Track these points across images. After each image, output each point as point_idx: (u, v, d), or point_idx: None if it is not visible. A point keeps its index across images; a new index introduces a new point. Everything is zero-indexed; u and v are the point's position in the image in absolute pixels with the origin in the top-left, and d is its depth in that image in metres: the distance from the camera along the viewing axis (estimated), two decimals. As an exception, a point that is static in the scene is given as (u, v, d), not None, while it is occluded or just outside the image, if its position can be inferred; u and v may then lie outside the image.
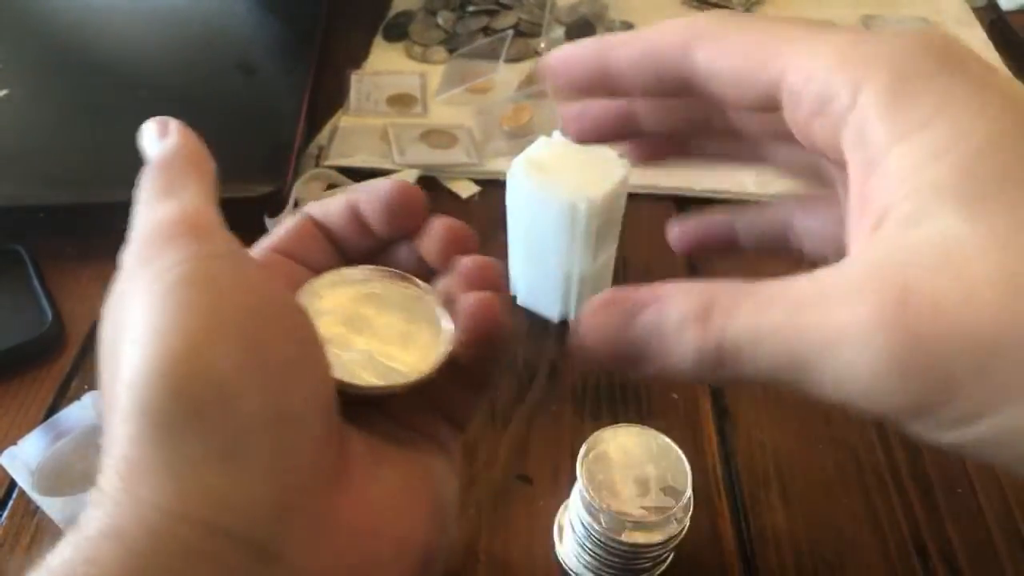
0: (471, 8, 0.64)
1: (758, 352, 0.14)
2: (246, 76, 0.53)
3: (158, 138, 0.23)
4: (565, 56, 0.20)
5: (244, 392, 0.15)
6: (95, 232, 0.47)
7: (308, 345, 0.17)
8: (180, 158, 0.22)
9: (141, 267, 0.18)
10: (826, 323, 0.13)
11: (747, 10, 0.65)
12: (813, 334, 0.13)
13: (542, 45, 0.61)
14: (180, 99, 0.50)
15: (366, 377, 0.19)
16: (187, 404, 0.15)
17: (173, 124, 0.23)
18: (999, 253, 0.12)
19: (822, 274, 0.14)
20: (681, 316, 0.15)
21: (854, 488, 0.35)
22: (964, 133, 0.13)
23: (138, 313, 0.16)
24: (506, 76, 0.58)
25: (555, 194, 0.36)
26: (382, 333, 0.20)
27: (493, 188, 0.49)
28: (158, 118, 0.23)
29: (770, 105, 0.16)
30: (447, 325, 0.21)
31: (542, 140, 0.38)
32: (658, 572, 0.31)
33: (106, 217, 0.47)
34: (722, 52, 0.17)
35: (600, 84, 0.20)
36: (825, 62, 0.15)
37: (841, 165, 0.15)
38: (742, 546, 0.33)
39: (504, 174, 0.38)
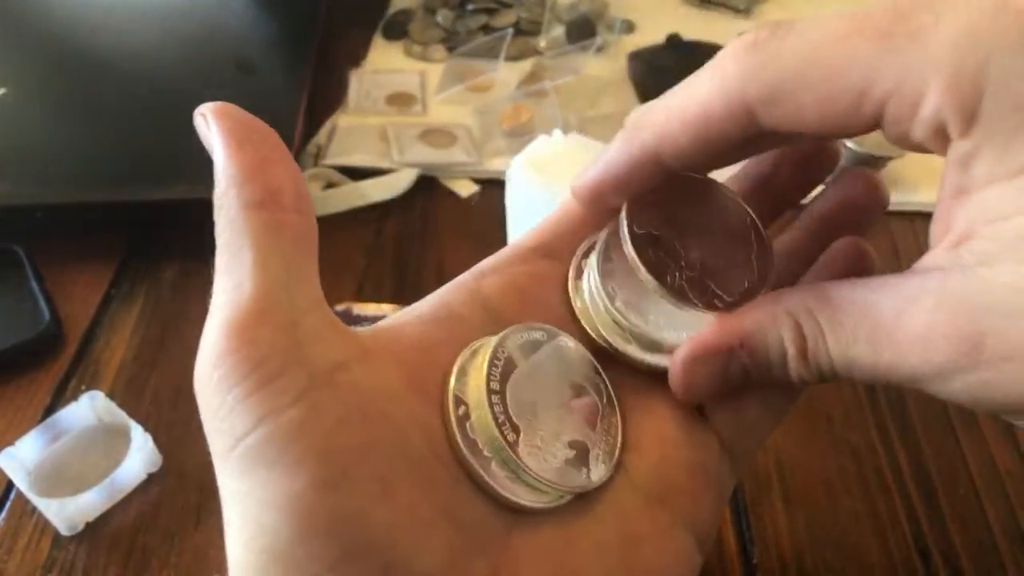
0: (471, 6, 0.64)
1: (855, 376, 0.15)
2: (245, 75, 0.53)
3: (209, 144, 0.17)
4: (595, 184, 0.17)
5: None
6: (93, 232, 0.47)
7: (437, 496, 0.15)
8: (233, 190, 0.16)
9: (211, 418, 0.15)
10: (905, 364, 0.14)
11: (748, 9, 0.65)
12: (895, 374, 0.15)
13: (542, 43, 0.61)
14: (178, 98, 0.50)
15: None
16: None
17: (214, 120, 0.17)
18: None
19: (903, 296, 0.14)
20: (779, 355, 0.16)
21: (856, 489, 0.35)
22: None
23: (221, 483, 0.14)
24: (506, 75, 0.57)
25: (555, 193, 0.36)
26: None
27: (492, 187, 0.49)
28: (198, 111, 0.17)
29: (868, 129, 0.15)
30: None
31: (542, 139, 0.38)
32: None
33: (104, 217, 0.47)
34: (801, 108, 0.14)
35: (652, 183, 0.17)
36: (932, 86, 0.13)
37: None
38: (743, 547, 0.33)
39: (503, 173, 0.38)
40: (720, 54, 0.15)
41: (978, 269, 0.14)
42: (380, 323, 0.17)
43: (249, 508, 0.14)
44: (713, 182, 0.19)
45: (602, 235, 0.18)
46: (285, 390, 0.14)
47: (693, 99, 0.16)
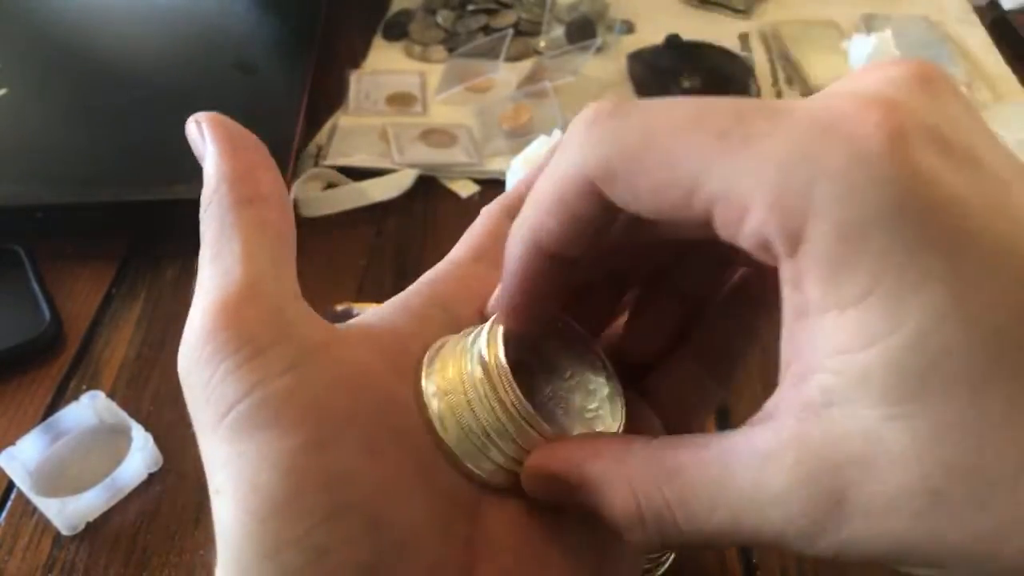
0: (471, 7, 0.64)
1: (711, 545, 0.15)
2: (245, 75, 0.53)
3: (200, 150, 0.18)
4: (510, 302, 0.17)
5: (337, 546, 0.14)
6: (94, 232, 0.47)
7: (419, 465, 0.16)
8: (224, 187, 0.17)
9: (199, 392, 0.15)
10: (768, 528, 0.14)
11: (748, 9, 0.65)
12: (757, 538, 0.14)
13: (542, 44, 0.61)
14: (179, 98, 0.50)
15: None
16: (281, 566, 0.14)
17: (207, 128, 0.18)
18: (916, 464, 0.12)
19: (759, 453, 0.14)
20: (617, 515, 0.15)
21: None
22: (896, 320, 0.12)
23: (209, 454, 0.15)
24: (506, 75, 0.58)
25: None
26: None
27: (493, 187, 0.49)
28: (192, 119, 0.18)
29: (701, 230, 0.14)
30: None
31: (541, 139, 0.38)
32: (659, 573, 0.31)
33: (105, 217, 0.47)
34: (637, 189, 0.14)
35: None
36: (757, 200, 0.13)
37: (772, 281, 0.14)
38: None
39: (503, 173, 0.38)
40: (568, 131, 0.15)
41: (831, 411, 0.13)
42: (347, 322, 0.18)
43: (242, 471, 0.14)
44: (587, 337, 0.18)
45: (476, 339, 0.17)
46: (276, 360, 0.15)
47: (550, 182, 0.15)
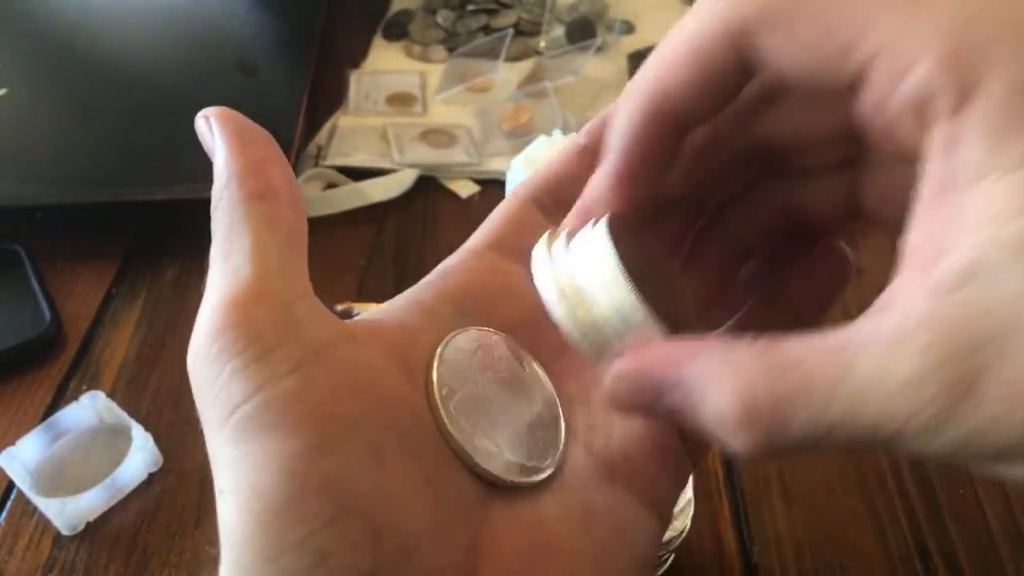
0: (471, 7, 0.64)
1: (822, 447, 0.13)
2: (245, 75, 0.53)
3: (210, 145, 0.17)
4: (617, 164, 0.16)
5: (338, 550, 0.14)
6: (94, 232, 0.47)
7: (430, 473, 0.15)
8: (234, 183, 0.17)
9: (206, 390, 0.15)
10: (890, 421, 0.12)
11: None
12: (877, 434, 0.12)
13: (542, 44, 0.61)
14: (179, 99, 0.50)
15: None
16: (283, 568, 0.14)
17: (216, 123, 0.17)
18: None
19: (883, 340, 0.12)
20: (720, 414, 0.13)
21: (855, 489, 0.35)
22: None
23: (215, 453, 0.15)
24: (506, 75, 0.58)
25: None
26: None
27: (493, 187, 0.49)
28: (201, 114, 0.18)
29: (846, 97, 0.13)
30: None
31: (541, 139, 0.38)
32: (659, 572, 0.31)
33: (105, 217, 0.47)
34: (791, 39, 0.13)
35: (661, 125, 0.16)
36: (929, 52, 0.12)
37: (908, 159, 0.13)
38: (743, 547, 0.33)
39: (504, 173, 0.38)
40: None
41: (973, 286, 0.12)
42: (357, 317, 0.18)
43: (246, 472, 0.14)
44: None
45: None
46: (282, 361, 0.15)
47: (682, 36, 0.14)
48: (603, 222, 0.16)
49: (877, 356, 0.12)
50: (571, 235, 0.16)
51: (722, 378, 0.13)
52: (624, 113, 0.16)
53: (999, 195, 0.12)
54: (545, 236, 0.17)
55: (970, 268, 0.12)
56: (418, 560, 0.15)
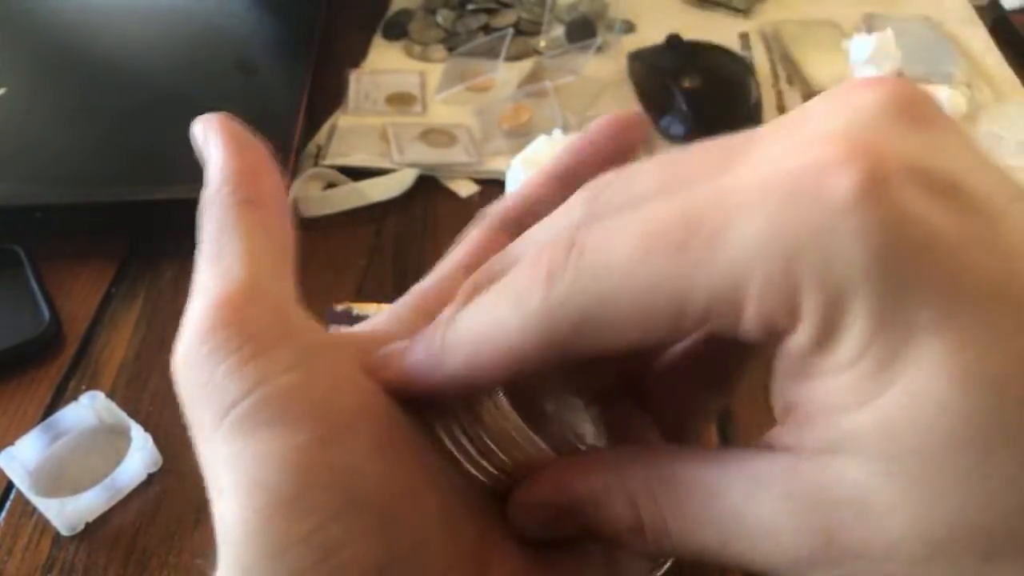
0: (471, 6, 0.64)
1: (704, 559, 0.14)
2: (245, 75, 0.53)
3: (203, 150, 0.18)
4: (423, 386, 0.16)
5: (347, 544, 0.14)
6: (93, 232, 0.47)
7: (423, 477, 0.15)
8: (227, 187, 0.17)
9: (196, 392, 0.15)
10: (756, 554, 0.13)
11: (748, 9, 0.65)
12: (746, 562, 0.14)
13: (542, 44, 0.61)
14: (178, 98, 0.50)
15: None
16: (287, 566, 0.14)
17: (211, 129, 0.18)
18: (915, 517, 0.12)
19: (752, 479, 0.14)
20: (615, 528, 0.15)
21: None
22: (888, 380, 0.12)
23: (209, 455, 0.15)
24: (506, 75, 0.58)
25: (555, 194, 0.36)
26: None
27: (493, 187, 0.49)
28: (197, 120, 0.18)
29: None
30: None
31: (541, 139, 0.38)
32: (659, 573, 0.31)
33: (104, 217, 0.47)
34: (614, 334, 0.14)
35: None
36: (746, 287, 0.12)
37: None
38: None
39: (503, 173, 0.38)
40: (518, 284, 0.14)
41: (825, 458, 0.13)
42: (338, 333, 0.19)
43: (246, 468, 0.14)
44: None
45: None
46: (279, 359, 0.15)
47: (501, 334, 0.14)
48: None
49: (742, 493, 0.13)
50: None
51: (616, 493, 0.15)
52: (451, 351, 0.16)
53: (836, 391, 0.13)
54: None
55: (825, 443, 0.13)
56: (430, 553, 0.15)
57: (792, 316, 0.12)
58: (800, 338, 0.12)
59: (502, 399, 0.16)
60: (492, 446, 0.16)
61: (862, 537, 0.12)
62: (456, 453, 0.16)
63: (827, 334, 0.12)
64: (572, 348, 0.14)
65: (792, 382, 0.13)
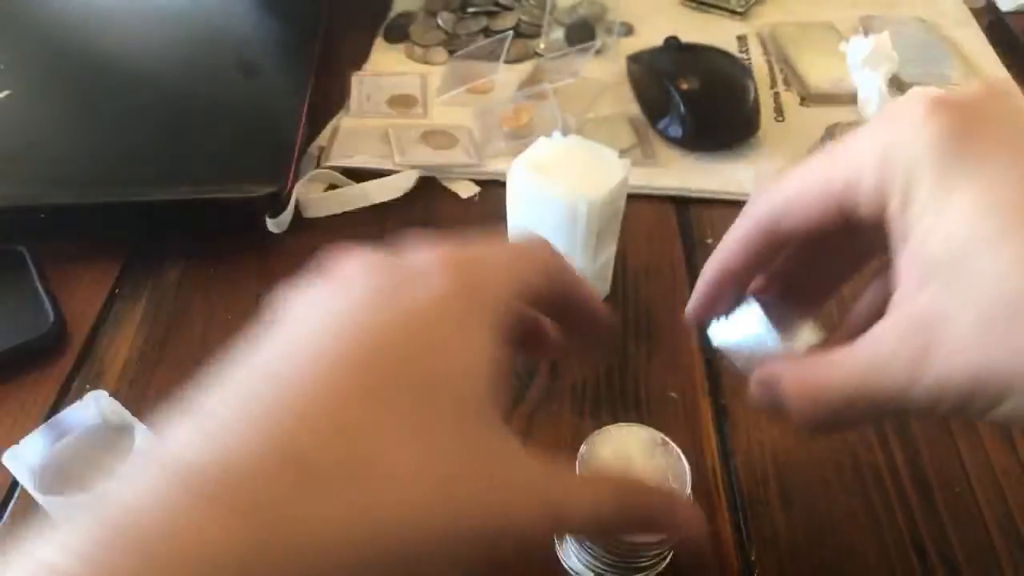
0: (471, 9, 0.64)
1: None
2: (247, 77, 0.53)
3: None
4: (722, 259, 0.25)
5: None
6: (97, 232, 0.47)
7: None
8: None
9: None
10: (883, 385, 0.20)
11: (746, 11, 0.66)
12: (878, 394, 0.20)
13: (542, 46, 0.62)
14: (181, 100, 0.51)
15: None
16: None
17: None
18: (993, 293, 0.18)
19: (874, 338, 0.21)
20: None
21: (853, 488, 0.35)
22: (940, 213, 0.20)
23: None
24: (506, 77, 0.58)
25: (555, 195, 0.36)
26: None
27: (493, 189, 0.50)
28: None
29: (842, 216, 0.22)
30: None
31: (542, 141, 0.38)
32: (658, 570, 0.31)
33: (108, 217, 0.47)
34: (801, 219, 0.23)
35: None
36: (865, 181, 0.21)
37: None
38: (741, 546, 0.33)
39: (504, 175, 0.38)
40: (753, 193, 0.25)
41: (925, 289, 0.19)
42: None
43: None
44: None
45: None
46: None
47: (736, 231, 0.25)
48: (752, 301, 0.26)
49: (874, 345, 0.20)
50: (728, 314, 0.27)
51: (793, 382, 0.23)
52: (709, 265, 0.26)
53: (920, 235, 0.20)
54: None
55: (924, 274, 0.20)
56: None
57: (888, 195, 0.20)
58: (894, 205, 0.20)
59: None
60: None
61: (951, 334, 0.19)
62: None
63: (905, 201, 0.20)
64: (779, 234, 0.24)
65: (902, 246, 0.20)
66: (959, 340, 0.18)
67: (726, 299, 0.26)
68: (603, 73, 0.59)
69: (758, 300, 0.26)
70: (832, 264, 0.26)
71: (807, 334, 0.26)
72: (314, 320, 0.19)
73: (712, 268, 0.25)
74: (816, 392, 0.21)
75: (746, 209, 0.24)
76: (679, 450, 0.29)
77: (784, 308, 0.26)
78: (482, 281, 0.20)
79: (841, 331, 0.26)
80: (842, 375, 0.21)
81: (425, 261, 0.20)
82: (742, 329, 0.26)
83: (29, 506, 0.34)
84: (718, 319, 0.27)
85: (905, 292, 0.20)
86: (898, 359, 0.19)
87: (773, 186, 0.23)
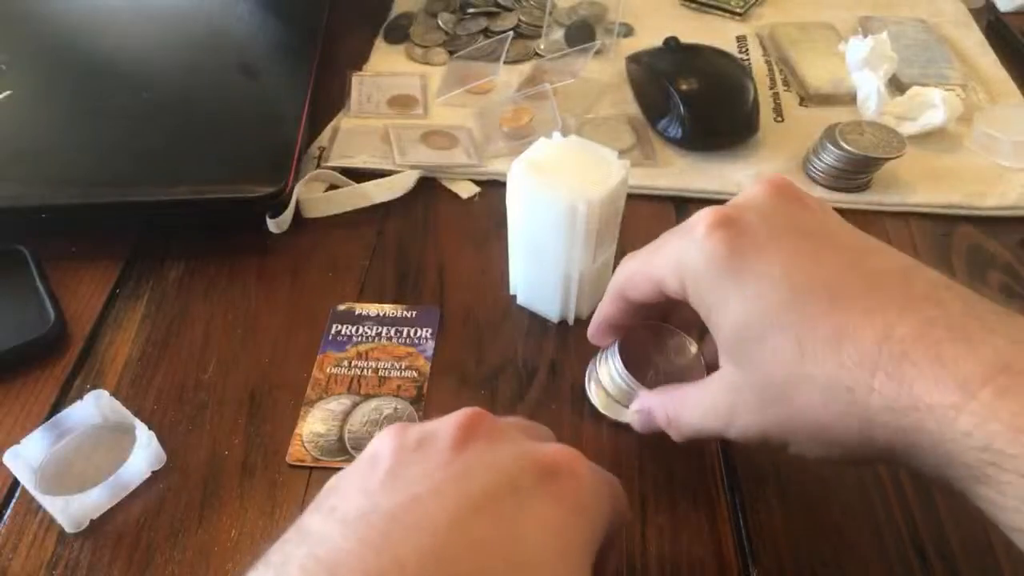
0: (471, 10, 0.64)
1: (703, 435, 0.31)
2: (248, 77, 0.53)
3: None
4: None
5: None
6: (98, 232, 0.47)
7: None
8: None
9: None
10: (710, 427, 0.30)
11: (745, 12, 0.66)
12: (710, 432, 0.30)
13: (542, 46, 0.62)
14: (182, 100, 0.51)
15: None
16: None
17: None
18: (742, 392, 0.28)
19: (704, 390, 0.30)
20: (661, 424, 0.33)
21: (852, 487, 0.35)
22: (724, 314, 0.27)
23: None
24: (506, 77, 0.58)
25: (555, 195, 0.36)
26: None
27: (493, 189, 0.50)
28: None
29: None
30: None
31: (542, 141, 0.39)
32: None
33: (108, 217, 0.47)
34: (638, 295, 0.32)
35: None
36: (666, 279, 0.29)
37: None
38: (740, 545, 0.33)
39: (504, 175, 0.38)
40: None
41: (726, 366, 0.29)
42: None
43: None
44: (666, 327, 0.36)
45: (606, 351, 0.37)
46: None
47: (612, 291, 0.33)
48: (614, 346, 0.36)
49: (704, 396, 0.30)
50: (601, 354, 0.37)
51: (658, 409, 0.33)
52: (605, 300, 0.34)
53: (712, 324, 0.29)
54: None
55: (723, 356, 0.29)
56: None
57: (684, 291, 0.28)
58: (691, 301, 0.28)
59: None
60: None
61: (738, 404, 0.28)
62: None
63: (698, 301, 0.28)
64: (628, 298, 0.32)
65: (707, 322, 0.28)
66: (748, 409, 0.27)
67: (610, 336, 0.35)
68: (603, 73, 0.59)
69: (620, 346, 0.35)
70: (688, 307, 0.31)
71: (690, 346, 0.35)
72: None
73: (595, 319, 0.35)
74: (676, 425, 0.31)
75: (613, 276, 0.32)
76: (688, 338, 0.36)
77: (671, 333, 0.36)
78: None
79: (706, 342, 0.35)
80: (688, 416, 0.30)
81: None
82: (607, 380, 0.36)
83: (29, 506, 0.34)
84: (589, 379, 0.38)
85: (720, 357, 0.29)
86: (717, 412, 0.29)
87: (628, 260, 0.31)
